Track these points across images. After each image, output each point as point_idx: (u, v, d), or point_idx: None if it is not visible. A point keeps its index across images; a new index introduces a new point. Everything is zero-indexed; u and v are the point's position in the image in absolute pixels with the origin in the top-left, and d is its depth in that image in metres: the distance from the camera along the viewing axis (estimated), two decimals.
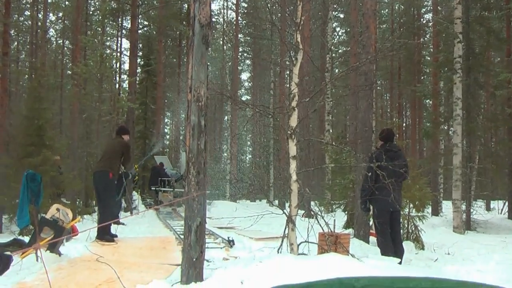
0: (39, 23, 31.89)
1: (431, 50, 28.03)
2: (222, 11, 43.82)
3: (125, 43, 38.45)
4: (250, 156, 50.64)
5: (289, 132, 6.22)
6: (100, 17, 24.67)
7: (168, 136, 47.21)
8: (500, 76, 17.13)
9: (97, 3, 31.74)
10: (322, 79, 21.58)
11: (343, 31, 40.95)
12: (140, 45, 31.23)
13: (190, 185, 4.98)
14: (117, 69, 33.87)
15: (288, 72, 25.85)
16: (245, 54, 46.21)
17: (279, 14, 19.30)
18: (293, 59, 6.43)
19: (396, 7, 38.85)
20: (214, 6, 41.46)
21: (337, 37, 39.76)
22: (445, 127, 22.93)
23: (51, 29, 36.06)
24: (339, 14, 37.82)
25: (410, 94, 32.15)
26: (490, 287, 3.40)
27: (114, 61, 27.98)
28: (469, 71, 16.97)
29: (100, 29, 29.28)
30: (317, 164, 19.23)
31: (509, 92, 17.51)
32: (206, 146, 5.05)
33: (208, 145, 5.45)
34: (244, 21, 41.87)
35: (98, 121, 18.69)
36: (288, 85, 7.93)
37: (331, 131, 25.27)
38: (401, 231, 8.57)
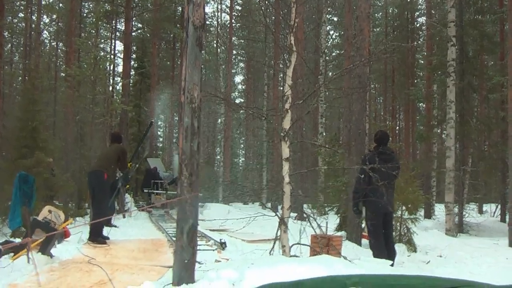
0: (33, 25, 31.77)
1: (425, 53, 28.10)
2: (216, 13, 43.80)
3: (119, 46, 38.38)
4: (243, 158, 50.64)
5: (282, 134, 6.22)
6: (94, 19, 24.60)
7: (161, 139, 47.12)
8: (494, 80, 17.22)
9: (91, 5, 31.65)
10: (315, 82, 21.60)
11: (337, 34, 41.08)
12: (134, 47, 31.24)
13: (182, 187, 4.97)
14: (111, 72, 33.87)
15: (281, 75, 25.92)
16: (239, 57, 46.25)
17: (273, 17, 19.28)
18: (287, 61, 6.44)
19: (390, 11, 39.01)
20: (208, 9, 41.45)
21: (331, 40, 39.92)
22: (438, 130, 23.05)
23: (45, 31, 35.93)
24: (333, 17, 37.93)
25: (404, 97, 32.25)
26: (480, 285, 3.39)
27: (107, 64, 27.92)
28: (462, 74, 17.05)
29: (94, 31, 29.22)
30: (310, 166, 19.20)
31: (502, 96, 17.58)
32: (199, 148, 5.04)
33: (201, 147, 5.44)
34: (238, 24, 41.88)
35: (91, 123, 18.61)
36: (281, 88, 7.94)
37: (324, 133, 25.36)
38: (394, 233, 8.58)
